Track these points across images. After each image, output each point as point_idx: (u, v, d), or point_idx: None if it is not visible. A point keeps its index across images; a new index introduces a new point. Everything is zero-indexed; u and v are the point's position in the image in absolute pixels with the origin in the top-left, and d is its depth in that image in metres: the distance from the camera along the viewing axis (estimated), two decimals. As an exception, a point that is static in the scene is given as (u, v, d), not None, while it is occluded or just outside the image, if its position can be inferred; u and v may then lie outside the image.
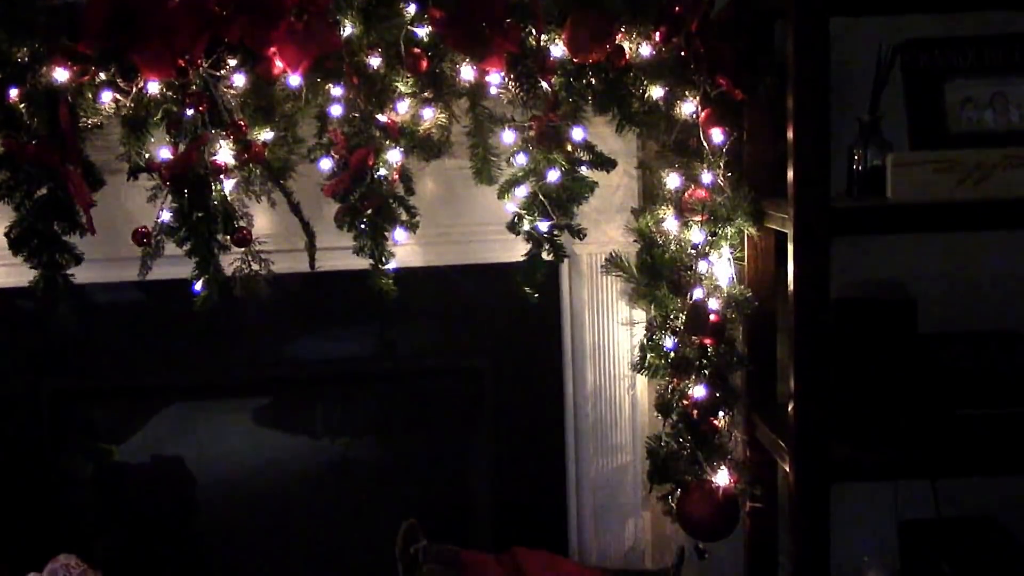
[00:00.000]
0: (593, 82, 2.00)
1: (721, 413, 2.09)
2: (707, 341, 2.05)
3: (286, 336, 2.43)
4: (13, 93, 1.87)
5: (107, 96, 1.89)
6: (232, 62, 1.89)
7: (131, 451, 2.48)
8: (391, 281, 2.03)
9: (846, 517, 2.06)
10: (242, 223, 1.93)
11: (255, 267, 1.95)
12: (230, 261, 1.95)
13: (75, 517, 2.40)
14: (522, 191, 2.02)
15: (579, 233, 2.06)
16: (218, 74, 1.88)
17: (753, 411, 2.19)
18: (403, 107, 1.95)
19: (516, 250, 2.07)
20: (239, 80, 1.89)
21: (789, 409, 1.90)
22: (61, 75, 1.86)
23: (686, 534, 2.15)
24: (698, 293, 2.05)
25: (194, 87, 1.88)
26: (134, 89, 1.89)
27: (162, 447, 2.49)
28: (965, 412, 2.03)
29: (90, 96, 1.89)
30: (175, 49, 1.85)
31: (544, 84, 1.97)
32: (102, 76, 1.89)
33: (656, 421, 2.19)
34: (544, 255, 2.06)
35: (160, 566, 2.47)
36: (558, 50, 1.98)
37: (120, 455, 2.47)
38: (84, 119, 1.91)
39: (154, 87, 1.89)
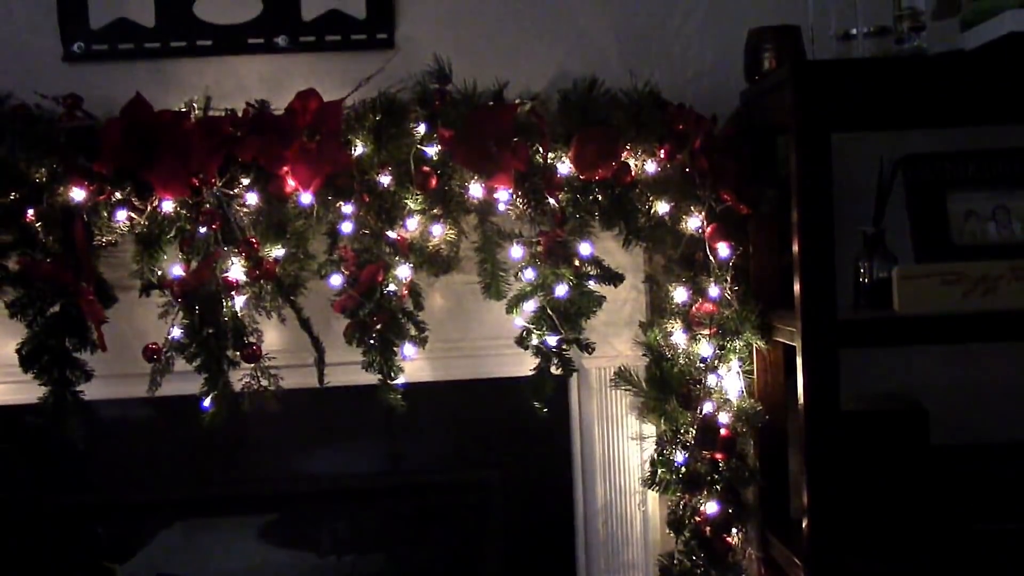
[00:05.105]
0: (600, 198, 2.03)
1: (734, 530, 2.06)
2: (718, 456, 2.04)
3: (294, 452, 2.41)
4: (29, 212, 1.91)
5: (122, 214, 1.93)
6: (245, 181, 1.93)
7: (134, 569, 2.44)
8: (400, 396, 2.03)
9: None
10: (252, 339, 1.95)
11: (264, 383, 1.95)
12: (239, 377, 1.96)
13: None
14: (530, 305, 2.04)
15: (588, 347, 2.07)
16: (231, 192, 1.92)
17: (767, 527, 2.16)
18: (413, 224, 1.98)
19: (525, 364, 2.07)
20: (252, 198, 1.93)
21: (803, 525, 1.87)
22: (78, 194, 1.90)
23: (701, 655, 2.10)
24: (708, 407, 2.04)
25: (207, 205, 1.91)
26: (149, 207, 1.93)
27: (165, 565, 2.45)
28: (982, 527, 1.99)
29: (105, 214, 1.93)
30: (190, 168, 1.90)
31: (551, 200, 2.00)
32: (118, 195, 1.93)
33: (668, 538, 2.16)
34: (553, 369, 2.06)
35: None
36: (565, 167, 2.02)
37: (122, 574, 2.43)
38: (99, 237, 1.94)
39: (168, 205, 1.92)
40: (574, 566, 2.35)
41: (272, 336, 2.02)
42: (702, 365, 2.05)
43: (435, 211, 1.99)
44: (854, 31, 1.90)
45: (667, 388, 2.07)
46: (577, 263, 2.02)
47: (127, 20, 2.19)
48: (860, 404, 2.03)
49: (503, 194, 1.99)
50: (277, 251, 1.95)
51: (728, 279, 2.03)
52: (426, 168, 1.97)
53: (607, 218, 2.04)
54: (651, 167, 2.03)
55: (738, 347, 2.04)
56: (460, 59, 2.08)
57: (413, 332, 2.02)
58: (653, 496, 2.25)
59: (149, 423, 2.36)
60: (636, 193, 2.03)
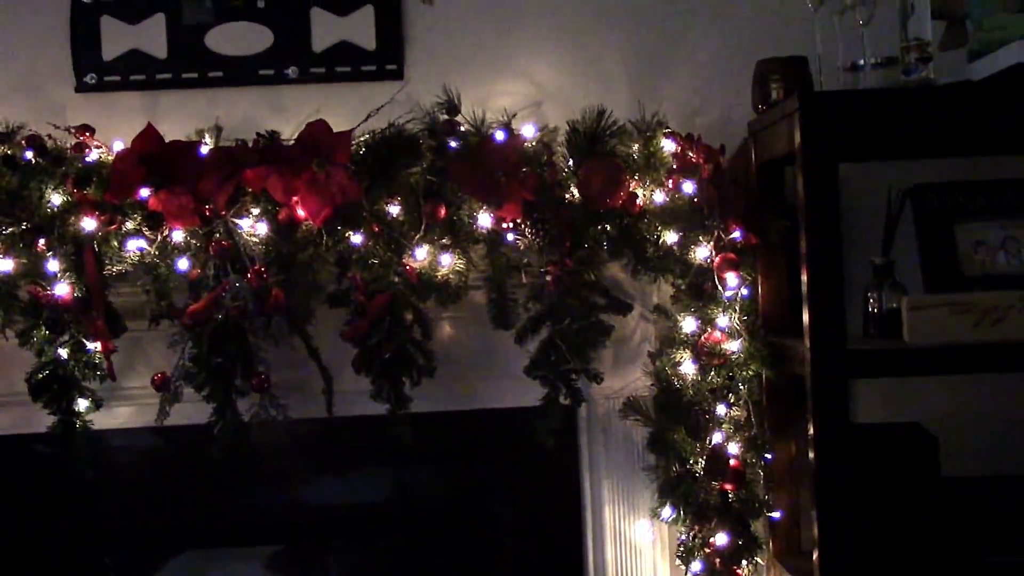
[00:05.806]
0: (608, 228, 2.03)
1: (744, 561, 2.05)
2: (728, 486, 2.03)
3: (302, 482, 2.41)
4: (40, 241, 1.92)
5: (132, 244, 1.93)
6: (255, 210, 1.94)
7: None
8: (408, 426, 2.02)
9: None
10: (261, 368, 1.95)
11: (272, 412, 1.95)
12: (247, 406, 1.96)
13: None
14: (539, 335, 2.04)
15: (596, 377, 2.06)
16: (241, 222, 1.93)
17: (777, 559, 2.14)
18: (421, 253, 1.99)
19: (533, 394, 2.06)
20: (261, 228, 1.94)
21: (813, 557, 1.85)
22: (89, 224, 1.91)
23: None
24: (717, 437, 2.04)
25: (217, 235, 1.92)
26: (159, 237, 1.94)
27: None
28: (993, 559, 1.97)
29: (116, 244, 1.94)
30: (200, 198, 1.91)
31: (559, 230, 2.01)
32: (128, 225, 1.94)
33: (678, 570, 2.14)
34: (561, 399, 2.05)
35: None
36: (573, 197, 2.02)
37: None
38: (109, 267, 1.95)
39: (178, 235, 1.93)
40: (583, 598, 2.33)
41: (280, 365, 2.02)
42: (711, 395, 2.05)
43: (444, 241, 2.00)
44: (861, 62, 1.91)
45: (676, 418, 2.07)
46: (585, 293, 2.02)
47: (139, 51, 2.20)
48: (870, 434, 2.02)
49: (512, 224, 1.99)
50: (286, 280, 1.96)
51: (737, 309, 2.03)
52: (435, 198, 1.97)
53: (615, 248, 2.04)
54: (659, 197, 2.03)
55: (747, 377, 2.03)
56: (469, 90, 2.09)
57: (421, 361, 2.02)
58: (663, 527, 2.24)
59: (157, 452, 2.36)
60: (644, 223, 2.04)
